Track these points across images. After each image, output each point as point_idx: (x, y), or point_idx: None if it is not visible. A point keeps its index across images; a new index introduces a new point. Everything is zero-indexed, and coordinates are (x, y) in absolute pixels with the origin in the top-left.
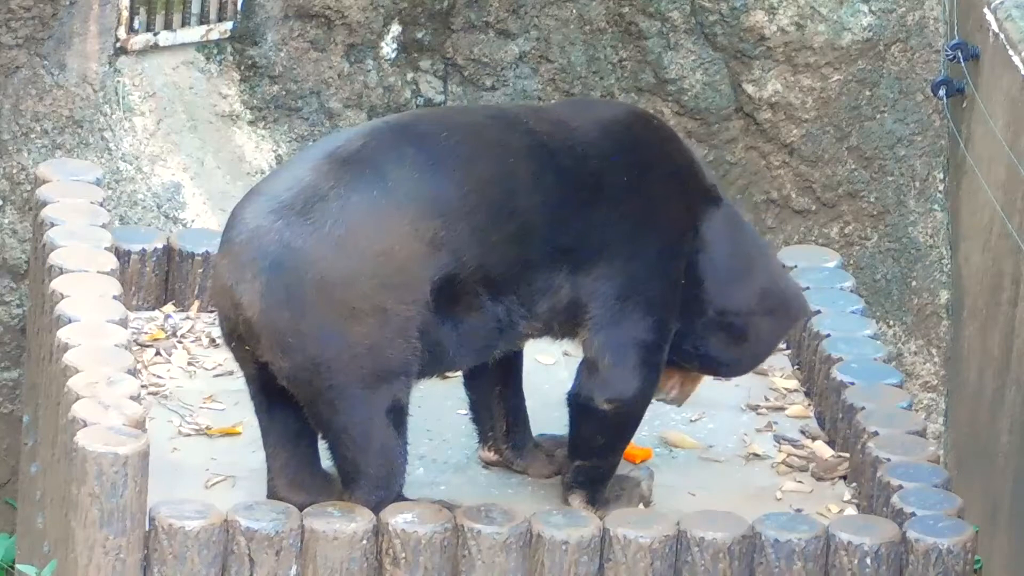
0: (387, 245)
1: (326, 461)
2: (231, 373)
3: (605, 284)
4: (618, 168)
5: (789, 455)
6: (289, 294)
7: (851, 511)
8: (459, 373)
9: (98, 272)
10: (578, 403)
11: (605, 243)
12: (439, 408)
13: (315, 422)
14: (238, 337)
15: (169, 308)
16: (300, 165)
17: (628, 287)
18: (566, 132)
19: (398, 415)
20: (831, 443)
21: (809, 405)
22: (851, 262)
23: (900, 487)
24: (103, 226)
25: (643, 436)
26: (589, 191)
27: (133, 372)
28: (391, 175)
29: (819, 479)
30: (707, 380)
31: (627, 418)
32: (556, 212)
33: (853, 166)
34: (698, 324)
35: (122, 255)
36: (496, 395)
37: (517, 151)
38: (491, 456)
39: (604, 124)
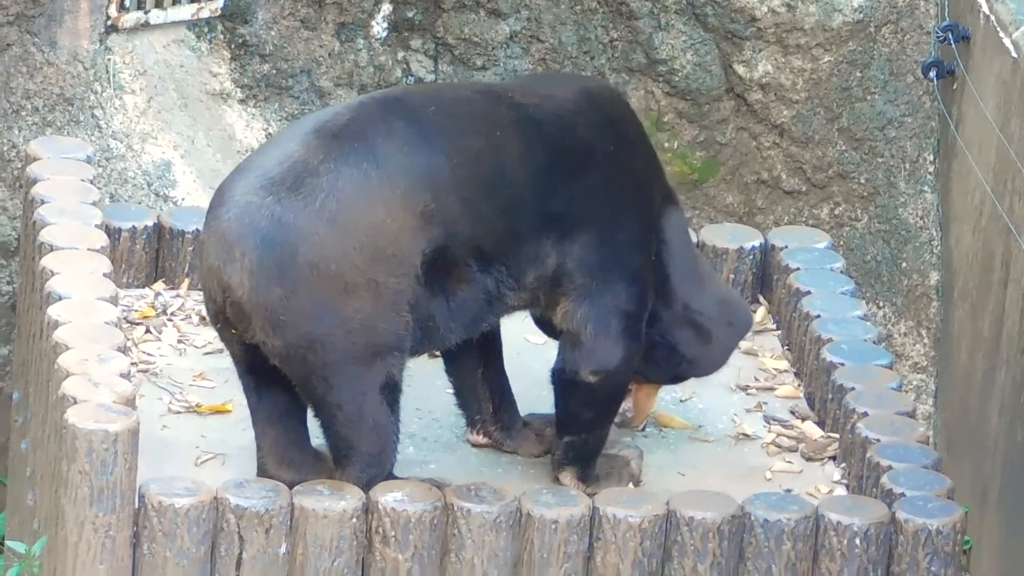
0: (378, 218)
1: (316, 439)
2: (221, 351)
3: (589, 253)
4: (604, 139)
5: (779, 435)
6: (281, 271)
7: (840, 491)
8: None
9: (88, 250)
10: (563, 378)
11: (590, 212)
12: (429, 387)
13: (308, 399)
14: (225, 319)
15: (159, 286)
16: (288, 141)
17: (611, 257)
18: (552, 104)
19: (391, 392)
20: (821, 423)
21: (799, 386)
22: (841, 243)
23: (890, 468)
24: (93, 204)
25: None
26: (576, 160)
27: (123, 350)
28: (381, 149)
29: (809, 459)
30: None
31: (613, 389)
32: (544, 181)
33: (843, 147)
34: (667, 315)
35: (112, 233)
36: (479, 378)
37: (505, 123)
38: (480, 439)
39: (590, 98)
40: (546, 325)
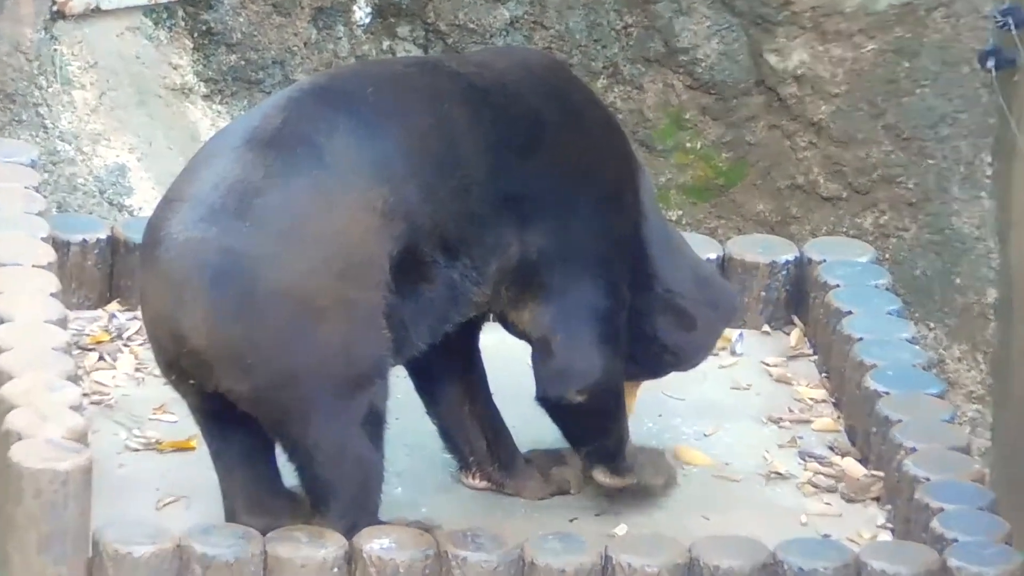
0: (340, 227)
1: (289, 479)
2: None
3: (551, 241)
4: (554, 109)
5: (815, 473)
6: (241, 308)
7: (885, 536)
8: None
9: (34, 266)
10: (549, 405)
11: (547, 191)
12: (418, 419)
13: (281, 441)
14: (181, 371)
15: (114, 306)
16: (218, 159)
17: (573, 244)
18: (494, 73)
19: (375, 425)
20: (863, 460)
21: (838, 417)
22: (887, 256)
23: (940, 510)
24: (39, 214)
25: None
26: (527, 133)
27: (74, 379)
28: (326, 149)
29: (849, 500)
30: (722, 388)
31: (607, 397)
32: (497, 157)
33: (889, 147)
34: (645, 299)
35: (61, 246)
36: (466, 413)
37: (448, 94)
38: (477, 482)
39: (531, 66)
40: (517, 337)
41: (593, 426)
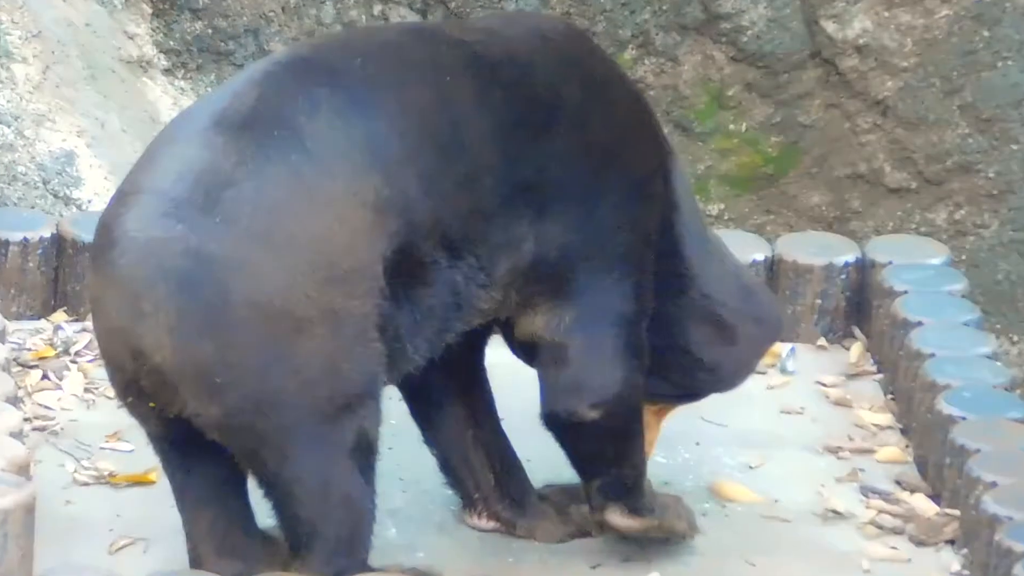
0: (324, 225)
1: (264, 518)
2: None
3: (570, 235)
4: (574, 85)
5: (879, 512)
6: (210, 320)
7: None
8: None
9: None
10: (558, 423)
11: (566, 179)
12: (415, 449)
13: (257, 475)
14: (139, 392)
15: (60, 316)
16: (183, 144)
17: (594, 241)
18: (503, 43)
19: (365, 454)
20: (935, 497)
21: (906, 447)
22: (963, 258)
23: None
24: None
25: (688, 485)
26: (542, 112)
27: (14, 401)
28: (307, 131)
29: (919, 544)
30: (770, 412)
31: (625, 416)
32: (508, 140)
33: (966, 130)
34: (679, 304)
35: None
36: (470, 441)
37: (451, 67)
38: (483, 522)
39: (546, 34)
40: (524, 348)
41: (608, 452)
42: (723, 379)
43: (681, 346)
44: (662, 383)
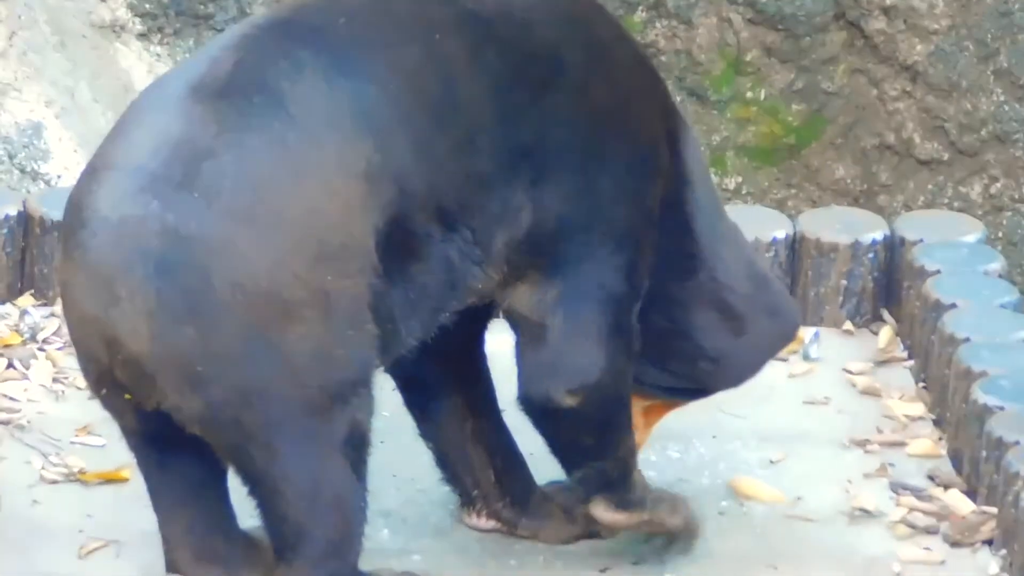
0: (312, 197)
1: (247, 519)
2: None
3: (567, 206)
4: (575, 46)
5: (911, 510)
6: (191, 304)
7: None
8: None
9: None
10: (533, 408)
11: (565, 145)
12: (409, 444)
13: (241, 472)
14: (114, 383)
15: (27, 300)
16: (157, 115)
17: (592, 211)
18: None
19: (357, 448)
20: (971, 493)
21: (940, 439)
22: (1000, 235)
23: None
24: None
25: (705, 483)
26: (542, 71)
27: None
28: (291, 97)
29: (954, 544)
30: (792, 403)
31: (607, 404)
32: (506, 100)
33: (1002, 97)
34: (685, 287)
35: None
36: (469, 434)
37: (442, 24)
38: (483, 522)
39: None
40: (509, 324)
41: (587, 442)
42: (726, 372)
43: (684, 332)
44: (661, 373)
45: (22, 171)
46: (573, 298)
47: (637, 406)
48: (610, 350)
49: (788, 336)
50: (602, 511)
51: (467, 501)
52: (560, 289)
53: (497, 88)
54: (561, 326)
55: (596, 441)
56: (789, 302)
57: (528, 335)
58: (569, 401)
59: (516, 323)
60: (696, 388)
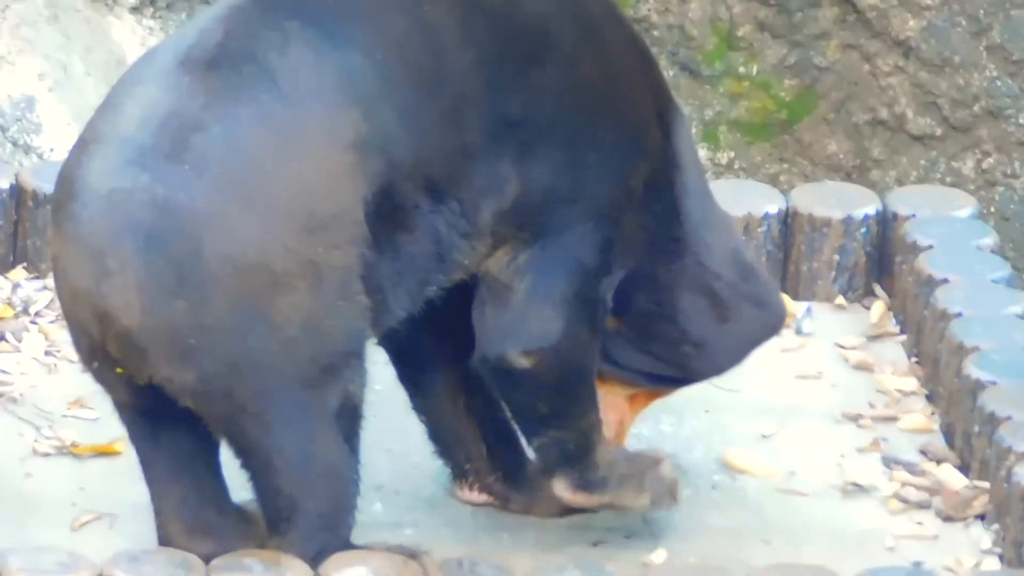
0: (301, 168)
1: (239, 492)
2: None
3: (551, 179)
4: (565, 19)
5: (903, 485)
6: (182, 277)
7: (992, 563)
8: None
9: None
10: (488, 365)
11: (553, 119)
12: (402, 418)
13: (233, 445)
14: (106, 357)
15: (19, 274)
16: (145, 87)
17: (576, 184)
18: None
19: (350, 420)
20: (963, 468)
21: (932, 414)
22: (993, 210)
23: None
24: None
25: (697, 456)
26: (532, 43)
27: None
28: (279, 68)
29: (946, 519)
30: (785, 377)
31: (563, 373)
32: (494, 71)
33: (995, 72)
34: (671, 270)
35: None
36: (462, 408)
37: None
38: (475, 496)
39: None
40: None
41: (541, 408)
42: (709, 358)
43: (668, 315)
44: (644, 356)
45: (14, 144)
46: (543, 265)
47: (621, 394)
48: (571, 318)
49: (774, 328)
50: (562, 489)
51: (459, 475)
52: (533, 255)
53: (485, 60)
54: (526, 290)
55: (551, 409)
56: (776, 295)
57: (493, 295)
58: (523, 362)
59: (485, 283)
60: (679, 375)
